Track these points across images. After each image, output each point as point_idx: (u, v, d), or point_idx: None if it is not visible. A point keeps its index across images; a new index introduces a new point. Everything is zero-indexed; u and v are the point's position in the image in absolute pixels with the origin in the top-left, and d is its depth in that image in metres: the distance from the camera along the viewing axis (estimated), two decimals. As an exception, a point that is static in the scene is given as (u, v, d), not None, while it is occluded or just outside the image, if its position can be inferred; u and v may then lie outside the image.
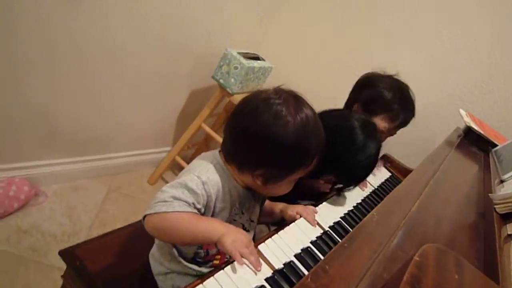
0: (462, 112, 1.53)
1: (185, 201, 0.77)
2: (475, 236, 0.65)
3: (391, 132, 1.46)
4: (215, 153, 0.91)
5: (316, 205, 1.11)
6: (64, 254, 1.00)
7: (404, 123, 1.45)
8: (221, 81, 1.90)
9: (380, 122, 1.40)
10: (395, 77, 1.44)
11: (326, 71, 2.20)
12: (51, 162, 1.80)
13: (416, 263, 0.35)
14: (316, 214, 1.03)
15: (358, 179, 1.14)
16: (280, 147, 0.79)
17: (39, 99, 1.53)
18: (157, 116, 2.14)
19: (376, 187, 1.44)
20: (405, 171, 1.67)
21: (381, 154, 1.78)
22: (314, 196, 1.26)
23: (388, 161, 1.71)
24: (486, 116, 1.75)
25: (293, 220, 0.98)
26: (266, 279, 0.75)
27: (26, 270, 1.47)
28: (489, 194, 0.73)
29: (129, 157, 2.16)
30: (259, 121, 0.80)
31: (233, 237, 0.75)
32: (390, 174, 1.66)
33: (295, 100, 0.84)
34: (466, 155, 1.27)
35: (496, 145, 1.36)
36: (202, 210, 0.82)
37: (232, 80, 1.86)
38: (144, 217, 0.80)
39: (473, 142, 1.43)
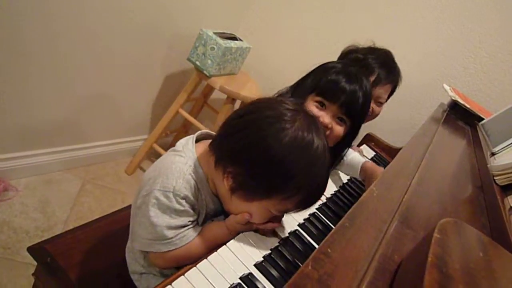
0: (446, 87, 1.50)
1: (181, 228, 0.75)
2: (479, 210, 0.61)
3: (377, 96, 1.34)
4: (187, 146, 0.81)
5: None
6: (33, 250, 0.93)
7: (385, 79, 1.32)
8: (197, 63, 1.81)
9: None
10: (372, 46, 1.38)
11: (306, 50, 2.14)
12: (21, 154, 1.69)
13: (437, 241, 0.30)
14: None
15: None
16: (262, 152, 0.68)
17: (4, 88, 1.42)
18: (132, 103, 2.04)
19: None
20: (389, 150, 1.64)
21: (365, 133, 1.75)
22: None
23: (372, 140, 1.67)
24: (470, 91, 1.74)
25: None
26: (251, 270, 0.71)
27: (-2, 269, 1.38)
28: (488, 166, 0.69)
29: (104, 146, 2.06)
30: (259, 115, 0.71)
31: (232, 227, 0.77)
32: (374, 153, 1.63)
33: (310, 120, 0.72)
34: (453, 129, 1.24)
35: (482, 119, 1.34)
36: (196, 216, 0.80)
37: (209, 61, 1.78)
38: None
39: (459, 117, 1.41)
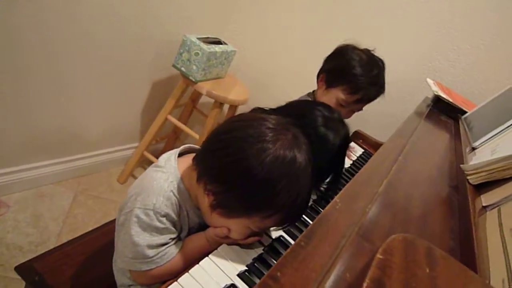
0: (430, 81, 1.50)
1: (162, 246, 0.76)
2: (450, 213, 0.61)
3: (353, 107, 1.38)
4: (169, 161, 0.81)
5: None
6: (21, 269, 0.93)
7: (368, 98, 1.37)
8: (182, 69, 1.81)
9: (339, 94, 1.34)
10: (372, 51, 1.38)
11: (291, 50, 2.14)
12: (10, 170, 1.69)
13: (378, 264, 0.30)
14: None
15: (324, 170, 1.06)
16: (243, 172, 0.67)
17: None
18: (120, 112, 2.04)
19: (348, 165, 1.41)
20: (378, 146, 1.64)
21: (352, 131, 1.76)
22: None
23: (360, 138, 1.68)
24: (454, 83, 1.74)
25: None
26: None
27: (-9, 287, 1.38)
28: (461, 165, 0.69)
29: (95, 157, 2.06)
30: (240, 133, 0.71)
31: (211, 240, 0.78)
32: (362, 150, 1.63)
33: (293, 138, 0.71)
34: (436, 125, 1.24)
35: (466, 112, 1.35)
36: (178, 233, 0.80)
37: (194, 67, 1.78)
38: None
39: (443, 111, 1.41)
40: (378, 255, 0.31)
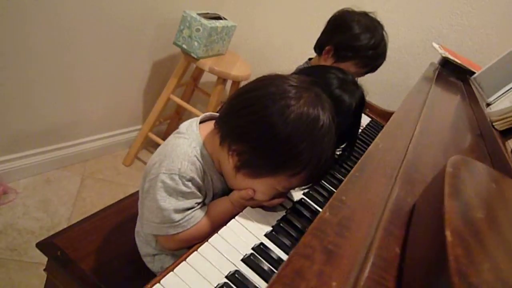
0: (435, 45, 1.50)
1: (188, 210, 0.75)
2: (481, 157, 0.62)
3: (360, 76, 1.42)
4: (191, 128, 0.80)
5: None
6: (43, 246, 0.93)
7: (375, 68, 1.42)
8: (184, 46, 1.79)
9: (351, 67, 1.36)
10: (370, 14, 1.37)
11: (290, 21, 2.12)
12: (16, 156, 1.68)
13: (451, 175, 0.30)
14: None
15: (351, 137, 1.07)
16: (268, 129, 0.67)
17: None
18: (122, 94, 2.02)
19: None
20: (384, 114, 1.65)
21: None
22: None
23: (366, 107, 1.67)
24: (458, 47, 1.73)
25: None
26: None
27: (8, 271, 1.38)
28: (486, 112, 0.69)
29: (99, 140, 2.05)
30: (263, 92, 0.70)
31: (236, 203, 0.78)
32: (369, 119, 1.63)
33: (316, 96, 0.70)
34: (446, 86, 1.24)
35: (473, 73, 1.34)
36: (203, 197, 0.80)
37: (196, 43, 1.76)
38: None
39: (451, 74, 1.41)
40: (448, 168, 0.31)
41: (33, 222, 1.61)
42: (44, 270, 0.97)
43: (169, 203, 0.74)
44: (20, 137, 1.64)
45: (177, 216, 0.74)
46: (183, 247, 0.79)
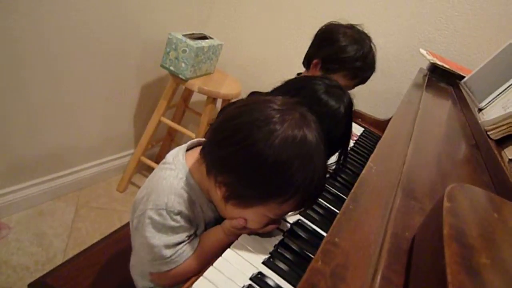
0: (423, 51, 1.49)
1: (179, 244, 0.73)
2: (478, 168, 0.60)
3: (349, 88, 1.41)
4: (177, 157, 0.78)
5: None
6: (34, 286, 0.90)
7: (365, 80, 1.41)
8: (171, 68, 1.78)
9: (340, 80, 1.34)
10: (357, 27, 1.37)
11: (277, 35, 2.11)
12: (8, 190, 1.65)
13: (449, 211, 0.28)
14: None
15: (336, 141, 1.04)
16: (254, 158, 0.64)
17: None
18: (113, 119, 2.00)
19: (352, 145, 1.40)
20: (377, 123, 1.63)
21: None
22: None
23: (358, 116, 1.66)
24: (446, 51, 1.73)
25: None
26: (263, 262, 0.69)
27: (3, 311, 1.34)
28: (480, 121, 0.68)
29: (92, 168, 2.02)
30: (246, 119, 0.67)
31: (228, 232, 0.75)
32: (362, 129, 1.62)
33: (301, 117, 0.67)
34: (437, 93, 1.23)
35: (463, 77, 1.34)
36: (194, 229, 0.78)
37: (183, 65, 1.75)
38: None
39: (440, 79, 1.40)
40: (446, 203, 0.29)
41: (28, 258, 1.57)
42: (38, 311, 0.94)
43: (159, 239, 0.71)
44: (11, 170, 1.61)
45: (168, 252, 0.72)
46: (178, 282, 0.77)
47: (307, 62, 1.44)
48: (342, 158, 1.03)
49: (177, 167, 0.76)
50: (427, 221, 0.31)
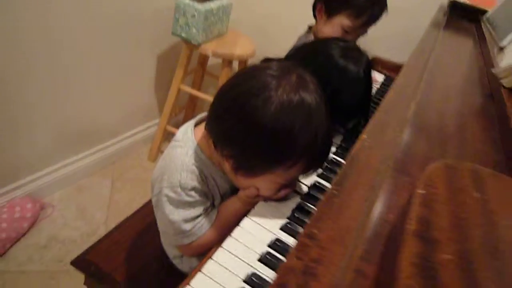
0: (442, -15, 1.39)
1: (197, 218, 0.77)
2: (489, 123, 0.57)
3: (359, 31, 1.32)
4: (186, 134, 0.80)
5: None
6: (76, 263, 0.97)
7: (374, 18, 1.30)
8: (182, 35, 1.76)
9: (345, 20, 1.27)
10: None
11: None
12: (46, 171, 1.75)
13: (421, 200, 0.27)
14: None
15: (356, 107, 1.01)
16: (253, 127, 0.64)
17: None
18: (133, 93, 2.03)
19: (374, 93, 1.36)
20: (399, 68, 1.57)
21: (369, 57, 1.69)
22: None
23: (379, 63, 1.60)
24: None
25: None
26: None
27: (58, 283, 1.47)
28: (492, 70, 0.64)
29: (121, 141, 2.09)
30: (242, 88, 0.67)
31: (245, 202, 0.77)
32: (383, 76, 1.56)
33: (298, 80, 0.66)
34: (457, 33, 1.15)
35: (486, 11, 1.24)
36: (210, 201, 0.81)
37: (194, 30, 1.72)
38: None
39: (462, 16, 1.30)
40: (419, 190, 0.28)
41: (74, 231, 1.68)
42: (84, 283, 1.02)
43: (178, 214, 0.75)
44: (46, 152, 1.70)
45: (187, 226, 0.76)
46: (202, 252, 0.81)
47: (313, 10, 1.38)
48: (364, 120, 1.01)
49: (187, 144, 0.78)
50: (402, 211, 0.31)
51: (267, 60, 1.05)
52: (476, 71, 0.80)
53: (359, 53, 0.97)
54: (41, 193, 1.73)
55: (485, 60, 0.81)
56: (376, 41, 1.80)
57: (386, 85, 1.47)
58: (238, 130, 0.67)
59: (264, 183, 0.72)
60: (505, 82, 0.60)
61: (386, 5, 1.30)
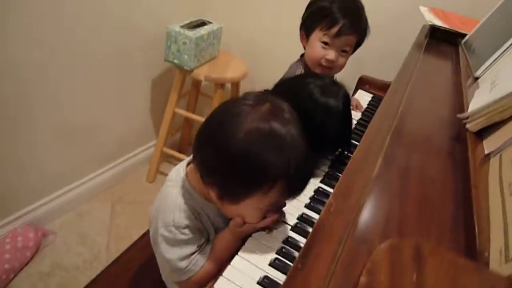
0: (423, 8, 1.43)
1: (192, 254, 0.80)
2: (452, 170, 0.60)
3: (340, 43, 1.27)
4: (178, 173, 0.85)
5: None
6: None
7: (351, 27, 1.25)
8: (175, 61, 1.81)
9: (319, 34, 1.27)
10: None
11: (278, 9, 2.07)
12: (46, 199, 1.79)
13: (364, 283, 0.31)
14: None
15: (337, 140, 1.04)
16: (225, 153, 0.68)
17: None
18: (130, 118, 2.07)
19: (359, 118, 1.40)
20: (387, 87, 1.61)
21: (357, 76, 1.72)
22: None
23: (366, 83, 1.64)
24: (451, 2, 1.64)
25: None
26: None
27: (62, 311, 1.50)
28: (457, 115, 0.67)
29: (119, 165, 2.13)
30: (218, 118, 0.72)
31: (235, 233, 0.80)
32: (371, 95, 1.60)
33: (271, 108, 0.69)
34: (436, 58, 1.18)
35: (466, 35, 1.28)
36: (205, 237, 0.84)
37: (186, 56, 1.77)
38: None
39: (442, 39, 1.34)
40: (362, 277, 0.32)
41: (76, 258, 1.72)
42: (87, 317, 1.06)
43: (173, 253, 0.79)
44: (48, 180, 1.74)
45: (183, 263, 0.79)
46: (200, 286, 0.84)
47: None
48: (346, 150, 1.06)
49: (178, 183, 0.83)
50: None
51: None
52: (449, 107, 0.83)
53: (336, 88, 1.01)
54: (42, 220, 1.77)
55: (459, 92, 0.84)
56: (363, 61, 1.85)
57: (373, 105, 1.51)
58: (214, 158, 0.71)
59: (247, 210, 0.75)
60: (469, 126, 0.63)
61: (360, 18, 1.29)
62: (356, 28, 1.27)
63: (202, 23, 1.88)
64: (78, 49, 1.58)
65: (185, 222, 0.79)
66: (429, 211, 0.49)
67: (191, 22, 1.84)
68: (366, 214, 0.48)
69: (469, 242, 0.42)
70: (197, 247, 0.82)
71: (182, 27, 1.76)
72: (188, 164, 0.88)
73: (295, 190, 0.77)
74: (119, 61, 1.80)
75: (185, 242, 0.80)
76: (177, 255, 0.79)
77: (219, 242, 0.85)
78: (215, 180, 0.73)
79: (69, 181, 1.87)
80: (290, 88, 1.01)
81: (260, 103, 0.70)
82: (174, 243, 0.79)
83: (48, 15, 1.42)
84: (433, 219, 0.44)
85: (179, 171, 0.86)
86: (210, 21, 1.94)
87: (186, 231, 0.79)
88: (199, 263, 0.81)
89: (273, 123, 0.67)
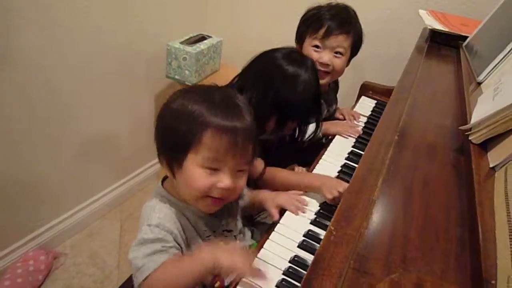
0: (422, 12, 1.42)
1: (154, 252, 0.74)
2: (456, 187, 0.58)
3: (331, 45, 1.27)
4: (156, 187, 0.89)
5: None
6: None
7: (337, 26, 1.26)
8: (176, 77, 1.81)
9: (308, 40, 1.31)
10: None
11: (277, 17, 2.07)
12: (56, 221, 1.80)
13: None
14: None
15: (304, 109, 1.08)
16: (157, 126, 0.83)
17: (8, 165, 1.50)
18: (136, 135, 2.08)
19: (363, 124, 1.39)
20: (389, 92, 1.59)
21: (359, 82, 1.71)
22: (293, 152, 1.24)
23: (369, 89, 1.63)
24: (450, 4, 1.62)
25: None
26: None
27: (75, 333, 1.50)
28: (459, 128, 0.66)
29: (127, 182, 2.14)
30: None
31: (221, 255, 0.73)
32: (375, 101, 1.59)
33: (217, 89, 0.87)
34: (437, 62, 1.17)
35: (467, 37, 1.26)
36: (177, 248, 0.79)
37: (187, 72, 1.77)
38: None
39: (443, 42, 1.32)
40: None
41: (87, 279, 1.72)
42: None
43: (137, 251, 0.76)
44: (56, 201, 1.75)
45: (140, 262, 0.74)
46: None
47: None
48: (317, 127, 1.17)
49: (157, 195, 0.86)
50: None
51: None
52: (451, 117, 0.80)
53: (301, 56, 1.11)
54: (53, 243, 1.78)
55: (461, 99, 0.82)
56: (366, 66, 1.84)
57: (377, 112, 1.49)
58: (157, 135, 0.85)
59: (192, 171, 0.77)
60: (472, 138, 0.62)
61: (351, 20, 1.30)
62: (344, 28, 1.27)
63: (202, 38, 1.89)
64: (82, 64, 1.59)
65: (158, 221, 0.78)
66: (434, 234, 0.48)
67: (190, 38, 1.84)
68: (367, 242, 0.46)
69: (475, 268, 0.40)
70: (161, 246, 0.76)
71: (181, 43, 1.76)
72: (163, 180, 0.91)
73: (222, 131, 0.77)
74: (121, 79, 1.81)
75: (152, 241, 0.76)
76: (140, 253, 0.75)
77: (190, 257, 0.78)
78: (164, 155, 0.82)
79: (79, 200, 1.88)
80: (258, 61, 1.12)
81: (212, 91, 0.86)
82: (142, 241, 0.76)
83: (52, 37, 1.44)
84: (437, 243, 0.43)
85: (156, 188, 0.89)
86: (210, 35, 1.94)
87: (156, 230, 0.77)
88: (157, 260, 0.74)
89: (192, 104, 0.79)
